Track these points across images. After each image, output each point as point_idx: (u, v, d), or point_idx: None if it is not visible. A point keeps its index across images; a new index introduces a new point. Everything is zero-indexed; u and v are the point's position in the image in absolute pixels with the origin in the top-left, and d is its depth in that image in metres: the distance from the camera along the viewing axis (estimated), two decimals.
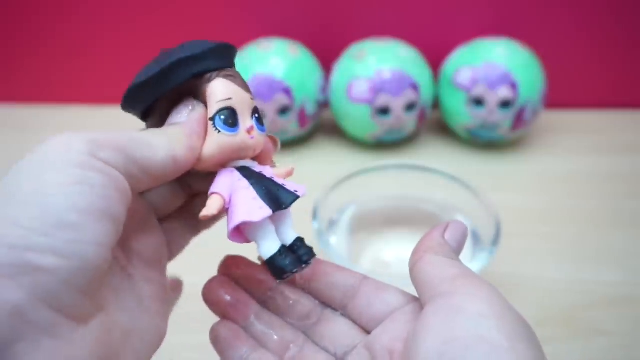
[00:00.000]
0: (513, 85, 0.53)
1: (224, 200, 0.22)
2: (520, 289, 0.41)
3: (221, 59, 0.23)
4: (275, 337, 0.24)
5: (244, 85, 0.23)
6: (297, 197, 0.23)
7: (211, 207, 0.22)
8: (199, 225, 0.27)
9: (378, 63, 0.54)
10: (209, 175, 0.23)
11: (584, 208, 0.50)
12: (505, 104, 0.53)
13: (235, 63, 0.24)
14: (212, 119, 0.22)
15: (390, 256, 0.43)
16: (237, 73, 0.23)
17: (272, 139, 0.25)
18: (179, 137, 0.21)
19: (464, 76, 0.54)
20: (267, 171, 0.24)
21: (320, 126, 0.62)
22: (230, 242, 0.23)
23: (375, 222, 0.45)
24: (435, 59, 0.59)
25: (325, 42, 0.60)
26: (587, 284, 0.42)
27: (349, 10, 0.60)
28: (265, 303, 0.26)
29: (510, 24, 0.60)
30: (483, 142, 0.58)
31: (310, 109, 0.56)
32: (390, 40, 0.57)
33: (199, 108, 0.22)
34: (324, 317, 0.25)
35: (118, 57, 0.62)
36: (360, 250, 0.43)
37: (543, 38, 0.60)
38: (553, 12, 0.60)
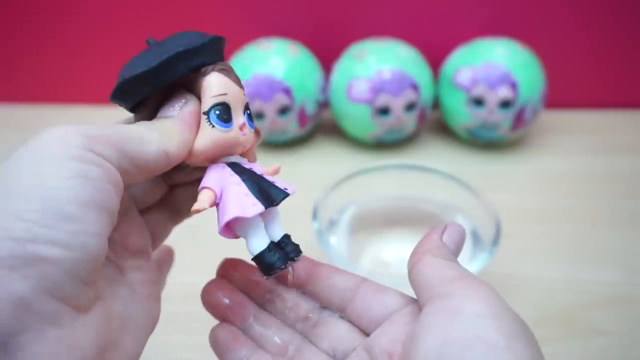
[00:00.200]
0: (513, 85, 0.53)
1: (215, 195, 0.22)
2: (518, 289, 0.42)
3: (216, 52, 0.22)
4: (274, 339, 0.25)
5: (237, 80, 0.23)
6: (287, 194, 0.23)
7: (203, 201, 0.21)
8: (179, 215, 0.27)
9: (378, 63, 0.54)
10: (193, 169, 0.23)
11: (584, 208, 0.50)
12: (505, 104, 0.53)
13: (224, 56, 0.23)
14: (207, 113, 0.22)
15: (390, 256, 0.43)
16: (230, 67, 0.23)
17: (256, 130, 0.25)
18: (171, 132, 0.21)
19: (464, 76, 0.54)
20: (256, 168, 0.24)
21: (320, 126, 0.62)
22: (229, 241, 0.23)
23: (375, 222, 0.45)
24: (435, 59, 0.59)
25: (325, 42, 0.60)
26: (585, 284, 0.42)
27: (349, 10, 0.60)
28: (264, 305, 0.26)
29: (510, 24, 0.60)
30: (483, 142, 0.58)
31: (310, 109, 0.56)
32: (390, 40, 0.57)
33: (192, 101, 0.22)
34: (323, 319, 0.25)
35: (119, 57, 0.62)
36: (360, 250, 0.43)
37: (543, 38, 0.60)
38: (553, 12, 0.60)
